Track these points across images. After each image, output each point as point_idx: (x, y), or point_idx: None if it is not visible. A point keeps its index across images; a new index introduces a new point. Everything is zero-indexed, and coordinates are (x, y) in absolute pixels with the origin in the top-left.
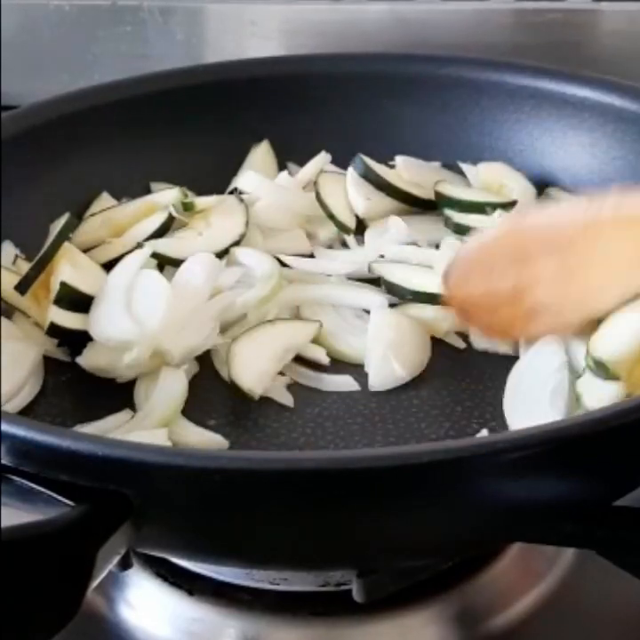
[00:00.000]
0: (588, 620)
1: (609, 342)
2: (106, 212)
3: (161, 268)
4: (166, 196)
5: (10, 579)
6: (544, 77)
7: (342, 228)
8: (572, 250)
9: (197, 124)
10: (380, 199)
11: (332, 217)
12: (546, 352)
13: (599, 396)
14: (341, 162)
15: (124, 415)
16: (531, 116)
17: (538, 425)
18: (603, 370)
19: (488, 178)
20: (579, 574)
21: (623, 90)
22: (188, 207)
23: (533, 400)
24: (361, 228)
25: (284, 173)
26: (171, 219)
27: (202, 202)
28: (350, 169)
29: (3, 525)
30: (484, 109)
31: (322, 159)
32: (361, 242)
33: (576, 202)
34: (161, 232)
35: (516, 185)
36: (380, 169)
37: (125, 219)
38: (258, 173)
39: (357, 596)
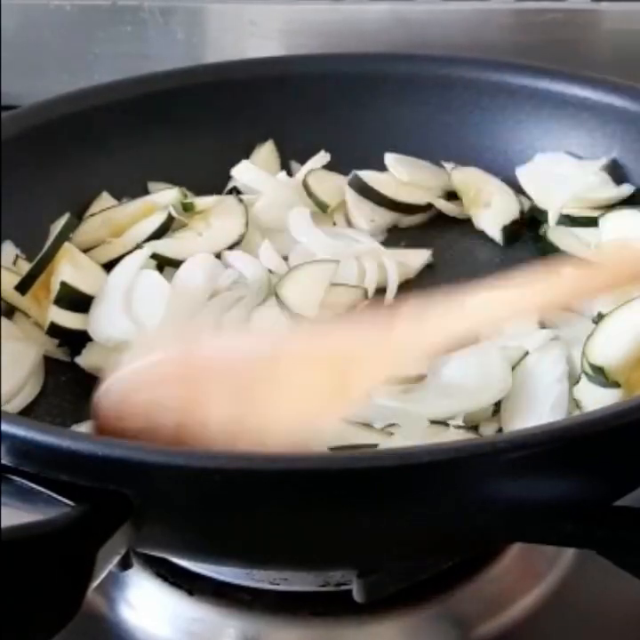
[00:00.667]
0: (588, 620)
1: (606, 347)
2: (106, 212)
3: (160, 268)
4: (166, 197)
5: (10, 579)
6: (544, 77)
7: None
8: (246, 382)
9: (197, 123)
10: (382, 215)
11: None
12: (547, 361)
13: (598, 401)
14: (341, 161)
15: None
16: (531, 115)
17: (538, 425)
18: (601, 376)
19: (461, 183)
20: (579, 574)
21: (623, 90)
22: (187, 207)
23: (533, 411)
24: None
25: (283, 174)
26: (170, 219)
27: (201, 202)
28: (348, 188)
29: (3, 525)
30: (484, 109)
31: (321, 159)
32: None
33: (257, 334)
34: (160, 232)
35: (493, 188)
36: (377, 183)
37: (125, 219)
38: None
39: (357, 596)
